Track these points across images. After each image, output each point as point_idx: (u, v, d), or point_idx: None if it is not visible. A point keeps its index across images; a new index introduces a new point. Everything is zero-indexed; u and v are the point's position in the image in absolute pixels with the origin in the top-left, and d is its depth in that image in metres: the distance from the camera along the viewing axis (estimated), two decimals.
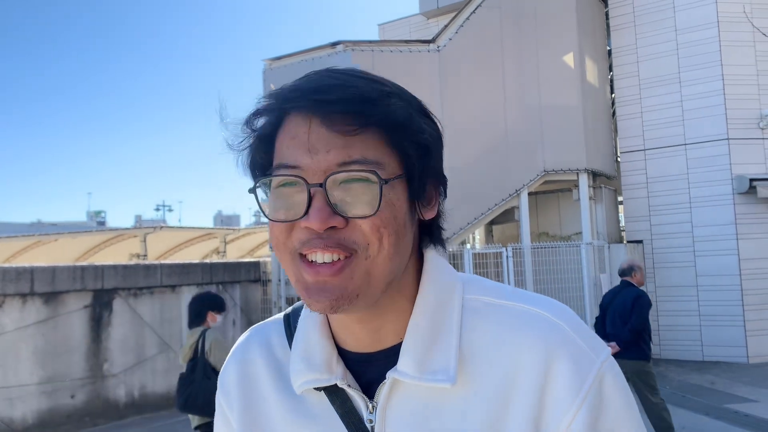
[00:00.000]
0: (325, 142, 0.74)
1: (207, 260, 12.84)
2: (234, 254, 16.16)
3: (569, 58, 11.08)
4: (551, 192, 12.29)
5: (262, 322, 0.99)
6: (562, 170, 10.71)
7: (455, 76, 10.44)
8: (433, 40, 10.62)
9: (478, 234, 13.31)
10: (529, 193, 10.81)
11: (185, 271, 9.12)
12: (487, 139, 10.52)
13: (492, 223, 12.16)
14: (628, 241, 11.73)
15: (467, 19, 10.64)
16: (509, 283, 9.89)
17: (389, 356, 0.81)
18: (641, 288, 6.13)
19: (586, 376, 0.76)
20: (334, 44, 10.31)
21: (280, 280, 10.79)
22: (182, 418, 7.92)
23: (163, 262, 9.48)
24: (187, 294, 9.02)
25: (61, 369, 7.43)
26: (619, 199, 12.56)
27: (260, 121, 0.79)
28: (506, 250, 10.08)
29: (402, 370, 0.78)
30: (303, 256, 0.76)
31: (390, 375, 0.79)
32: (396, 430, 0.80)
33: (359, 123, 0.73)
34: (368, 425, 0.81)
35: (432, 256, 0.85)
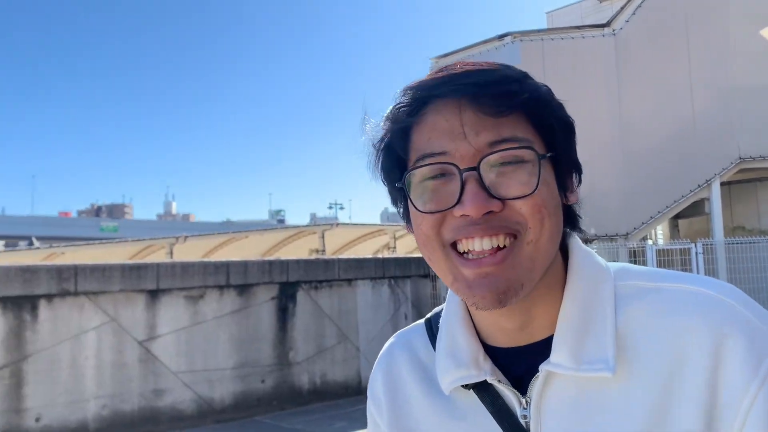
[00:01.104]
0: (473, 125, 0.72)
1: (379, 255, 13.31)
2: (403, 250, 16.55)
3: (767, 32, 9.91)
4: (748, 181, 11.12)
5: (403, 328, 0.98)
6: (761, 157, 9.66)
7: (633, 61, 9.80)
8: (607, 24, 10.06)
9: (662, 229, 12.39)
10: (722, 183, 9.88)
11: (360, 265, 9.49)
12: (672, 125, 9.75)
13: (678, 216, 11.27)
14: None
15: None
16: None
17: (539, 350, 0.78)
18: None
19: (765, 353, 0.67)
20: (501, 36, 10.15)
21: None
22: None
23: (340, 257, 9.97)
24: (362, 287, 9.39)
25: (252, 355, 8.08)
26: None
27: (402, 107, 0.77)
28: (695, 246, 9.26)
29: (556, 362, 0.75)
30: (455, 251, 0.74)
31: (543, 368, 0.76)
32: (554, 426, 0.76)
33: (508, 104, 0.72)
34: (522, 421, 0.78)
35: (577, 245, 0.82)
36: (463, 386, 0.82)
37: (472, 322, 0.85)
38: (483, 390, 0.81)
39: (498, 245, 0.72)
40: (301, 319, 8.62)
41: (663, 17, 9.99)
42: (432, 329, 0.91)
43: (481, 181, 0.71)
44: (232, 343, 7.93)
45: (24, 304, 6.46)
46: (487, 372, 0.80)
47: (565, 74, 9.62)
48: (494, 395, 0.81)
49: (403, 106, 0.77)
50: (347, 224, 18.81)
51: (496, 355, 0.82)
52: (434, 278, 11.35)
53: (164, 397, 7.27)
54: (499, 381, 0.80)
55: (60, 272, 6.71)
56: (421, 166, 0.74)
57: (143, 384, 7.14)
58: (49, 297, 6.62)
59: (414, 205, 0.76)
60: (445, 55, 11.42)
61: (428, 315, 0.96)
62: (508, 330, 0.80)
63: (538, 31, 10.23)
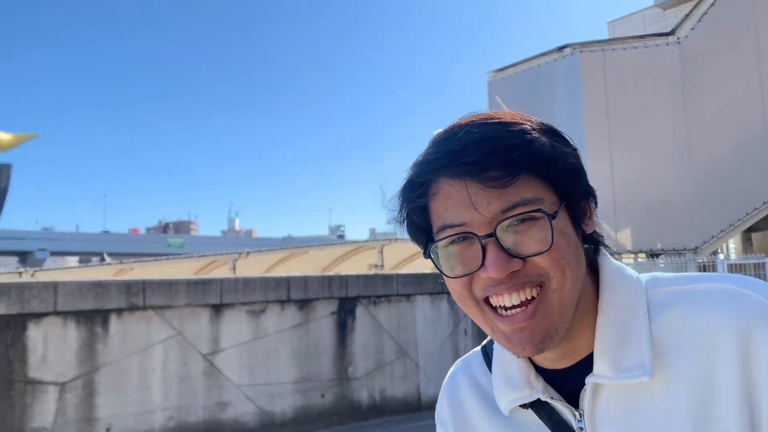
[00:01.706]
0: (483, 196, 0.76)
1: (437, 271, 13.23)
2: None
3: None
4: None
5: (464, 356, 1.07)
6: None
7: (700, 69, 9.46)
8: (672, 32, 9.76)
9: (734, 243, 11.85)
10: None
11: (418, 281, 9.46)
12: (742, 134, 9.34)
13: (750, 230, 10.75)
14: None
15: (712, 4, 9.60)
16: None
17: (586, 365, 0.83)
18: None
19: None
20: (560, 48, 10.01)
21: None
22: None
23: (398, 272, 9.97)
24: (421, 303, 9.34)
25: (312, 370, 8.15)
26: None
27: (413, 189, 0.83)
28: None
29: (599, 374, 0.80)
30: (489, 305, 0.80)
31: (589, 380, 0.81)
32: None
33: (512, 173, 0.76)
34: None
35: (606, 262, 0.87)
36: (521, 406, 0.88)
37: None
38: (540, 407, 0.87)
39: (527, 298, 0.78)
40: (360, 334, 8.64)
41: (731, 22, 9.63)
42: (488, 355, 0.98)
43: (499, 245, 0.76)
44: (293, 358, 8.02)
45: (95, 318, 6.72)
46: (539, 390, 0.86)
47: (628, 85, 9.39)
48: (550, 411, 0.86)
49: (414, 186, 0.83)
50: (406, 240, 18.79)
51: (547, 375, 0.88)
52: None
53: (227, 410, 7.40)
54: (552, 398, 0.85)
55: (129, 287, 6.96)
56: (443, 238, 0.80)
57: (207, 396, 7.30)
58: (119, 311, 6.87)
59: (442, 272, 0.83)
60: (504, 69, 11.35)
61: (483, 342, 1.03)
62: (553, 358, 0.86)
63: (599, 41, 10.02)
